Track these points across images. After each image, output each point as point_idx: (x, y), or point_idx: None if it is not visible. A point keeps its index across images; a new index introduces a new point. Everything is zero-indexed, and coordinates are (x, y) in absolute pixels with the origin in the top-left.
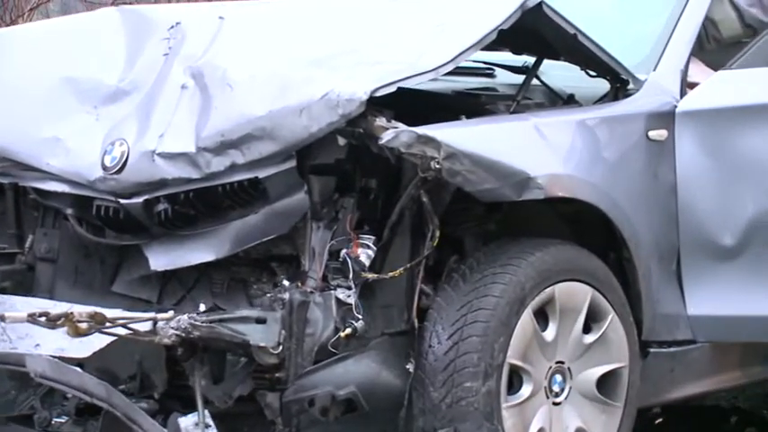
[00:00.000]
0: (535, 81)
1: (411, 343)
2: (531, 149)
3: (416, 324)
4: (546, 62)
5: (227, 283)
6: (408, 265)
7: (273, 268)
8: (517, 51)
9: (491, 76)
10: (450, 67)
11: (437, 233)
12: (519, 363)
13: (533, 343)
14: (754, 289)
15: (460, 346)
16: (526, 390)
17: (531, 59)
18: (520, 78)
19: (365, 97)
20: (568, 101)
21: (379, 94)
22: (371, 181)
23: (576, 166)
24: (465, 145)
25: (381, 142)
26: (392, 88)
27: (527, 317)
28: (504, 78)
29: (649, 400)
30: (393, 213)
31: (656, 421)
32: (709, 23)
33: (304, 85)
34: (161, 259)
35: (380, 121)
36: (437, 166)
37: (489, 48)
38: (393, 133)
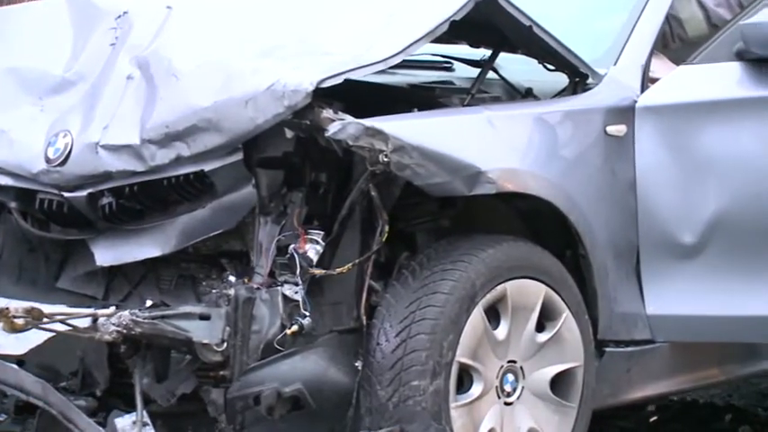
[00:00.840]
0: (495, 76)
1: (360, 340)
2: (482, 143)
3: (365, 321)
4: (506, 56)
5: (176, 279)
6: (357, 261)
7: (223, 264)
8: (474, 44)
9: (450, 69)
10: (399, 59)
11: (386, 228)
12: (469, 361)
13: (484, 341)
14: (714, 288)
15: (408, 343)
16: (476, 389)
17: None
18: (471, 72)
19: (311, 88)
20: (526, 95)
21: (325, 85)
22: (321, 175)
23: (530, 161)
24: (414, 138)
25: (328, 134)
26: (339, 79)
27: (477, 314)
28: (463, 72)
29: (606, 402)
30: (343, 208)
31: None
32: (675, 22)
33: (250, 75)
34: (107, 255)
35: (327, 113)
36: (385, 160)
37: (447, 41)
38: (340, 125)
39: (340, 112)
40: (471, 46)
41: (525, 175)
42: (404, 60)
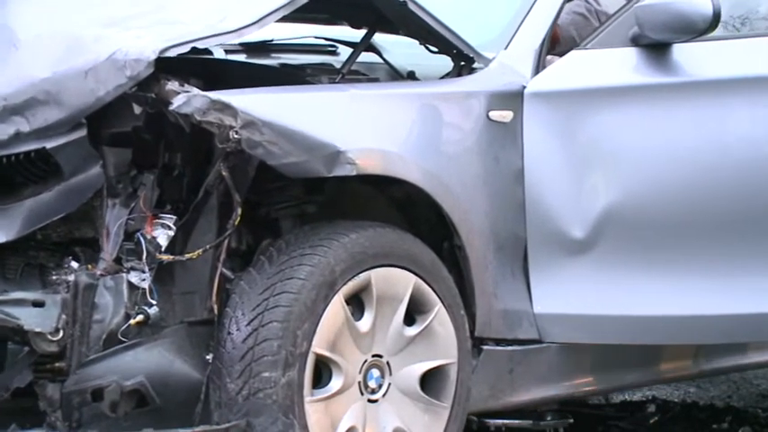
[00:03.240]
0: (381, 60)
1: (214, 332)
2: (344, 122)
3: (216, 310)
4: (395, 40)
5: (22, 268)
6: (207, 247)
7: (76, 252)
8: (354, 25)
9: (334, 53)
10: (253, 29)
11: (239, 211)
12: (327, 353)
13: (345, 333)
14: (605, 286)
15: (260, 332)
16: (336, 384)
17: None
18: (363, 56)
19: (153, 57)
20: (408, 78)
21: (170, 54)
22: (176, 156)
23: (400, 144)
24: (266, 113)
25: (172, 108)
26: (184, 48)
27: (337, 303)
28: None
29: (487, 404)
30: (200, 191)
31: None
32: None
33: (92, 44)
34: None
35: (173, 85)
36: (236, 137)
37: (329, 22)
38: (184, 98)
39: (187, 85)
40: (352, 27)
41: (392, 157)
42: (286, 44)
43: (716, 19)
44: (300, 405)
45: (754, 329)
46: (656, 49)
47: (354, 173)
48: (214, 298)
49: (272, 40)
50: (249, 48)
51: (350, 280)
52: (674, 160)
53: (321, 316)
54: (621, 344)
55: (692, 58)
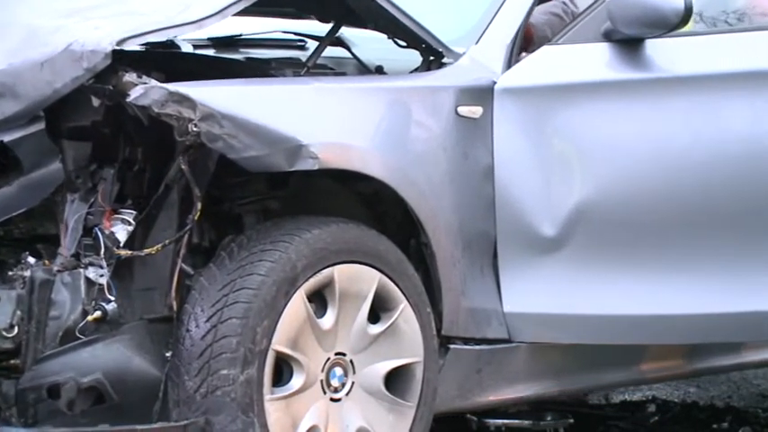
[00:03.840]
0: (350, 55)
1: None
2: (307, 115)
3: (175, 307)
4: (364, 35)
5: None
6: (167, 242)
7: (38, 249)
8: (322, 19)
9: (302, 48)
10: (214, 21)
11: (199, 206)
12: (288, 351)
13: (307, 330)
14: (577, 285)
15: (219, 329)
16: (297, 382)
17: (345, 30)
18: (332, 51)
19: (110, 48)
20: (376, 72)
21: (128, 45)
22: (137, 150)
23: (364, 138)
24: (225, 106)
25: (129, 99)
26: (142, 39)
27: (299, 299)
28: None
29: (454, 403)
30: (161, 186)
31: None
32: None
33: (50, 35)
34: None
35: (130, 77)
36: (195, 130)
37: (296, 16)
38: (142, 89)
39: (145, 77)
40: (320, 21)
41: (357, 152)
42: (254, 39)
43: (687, 13)
44: (260, 403)
45: (732, 330)
46: (628, 44)
47: (317, 167)
48: (173, 294)
49: (240, 35)
50: (217, 43)
51: (312, 276)
52: (647, 157)
53: (282, 313)
54: (595, 344)
55: (665, 53)
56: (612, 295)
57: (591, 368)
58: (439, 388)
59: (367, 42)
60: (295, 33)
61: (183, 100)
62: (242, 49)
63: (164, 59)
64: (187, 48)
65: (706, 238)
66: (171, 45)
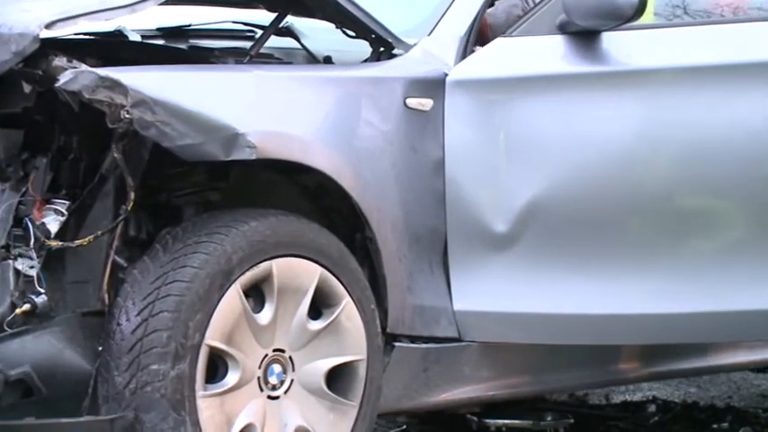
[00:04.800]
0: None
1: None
2: (246, 103)
3: (107, 300)
4: (315, 26)
5: None
6: (99, 233)
7: None
8: (271, 8)
9: (252, 38)
10: (148, 6)
11: (133, 196)
12: (222, 346)
13: (243, 325)
14: (529, 283)
15: (150, 322)
16: (232, 378)
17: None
18: (283, 41)
19: (38, 31)
20: (325, 63)
21: (57, 28)
22: (72, 139)
23: (306, 128)
24: (158, 92)
25: (58, 84)
26: (73, 23)
27: (234, 293)
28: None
29: (400, 404)
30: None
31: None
32: None
33: None
34: None
35: (60, 61)
36: (127, 116)
37: (245, 5)
38: (72, 74)
39: (75, 61)
40: (267, 10)
41: (298, 142)
42: (204, 29)
43: (642, 5)
44: (192, 400)
45: (687, 330)
46: (584, 36)
47: (254, 157)
48: (105, 287)
49: (189, 26)
50: (166, 33)
51: (248, 269)
52: (601, 152)
53: (216, 306)
54: (549, 344)
55: (621, 46)
56: (566, 294)
57: (545, 369)
58: (384, 387)
59: (319, 33)
60: (245, 24)
61: (115, 85)
62: (191, 40)
63: (104, 48)
64: (135, 38)
65: (663, 236)
66: (119, 35)
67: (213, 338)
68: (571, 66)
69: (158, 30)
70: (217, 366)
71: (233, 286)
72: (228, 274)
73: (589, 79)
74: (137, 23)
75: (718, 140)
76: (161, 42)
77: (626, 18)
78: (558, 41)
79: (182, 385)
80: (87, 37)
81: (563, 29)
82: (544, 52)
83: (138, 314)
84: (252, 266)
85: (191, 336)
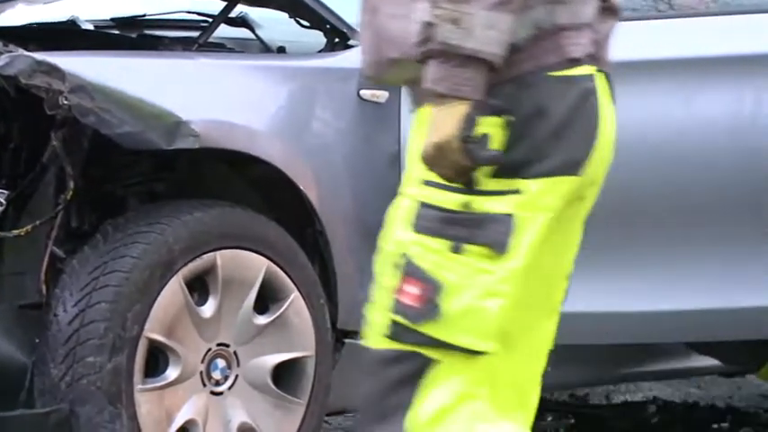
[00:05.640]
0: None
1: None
2: (189, 91)
3: (44, 291)
4: (271, 16)
5: None
6: (37, 223)
7: None
8: None
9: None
10: None
11: (72, 185)
12: (162, 339)
13: (185, 318)
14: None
15: (87, 313)
16: (173, 373)
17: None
18: (236, 32)
19: None
20: (278, 53)
21: None
22: (13, 127)
23: (253, 118)
24: (98, 78)
25: None
26: (10, 6)
27: (176, 285)
28: (220, 32)
29: (352, 402)
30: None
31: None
32: None
33: None
34: None
35: None
36: (65, 102)
37: None
38: (7, 58)
39: (12, 45)
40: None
41: (243, 132)
42: (158, 19)
43: None
44: (129, 393)
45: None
46: None
47: (197, 146)
48: (43, 278)
49: (143, 15)
50: (120, 23)
51: (191, 260)
52: None
53: (155, 298)
54: None
55: None
56: None
57: None
58: (334, 385)
59: (276, 24)
60: (198, 14)
61: (52, 70)
62: (146, 30)
63: (53, 37)
64: (88, 28)
65: (617, 236)
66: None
67: (153, 331)
68: None
69: (112, 20)
70: (157, 360)
71: (174, 277)
72: (170, 264)
73: None
74: (90, 13)
75: (674, 134)
76: (114, 32)
77: None
78: None
79: (118, 378)
80: (37, 26)
81: None
82: None
83: (75, 305)
84: (195, 258)
85: (129, 327)
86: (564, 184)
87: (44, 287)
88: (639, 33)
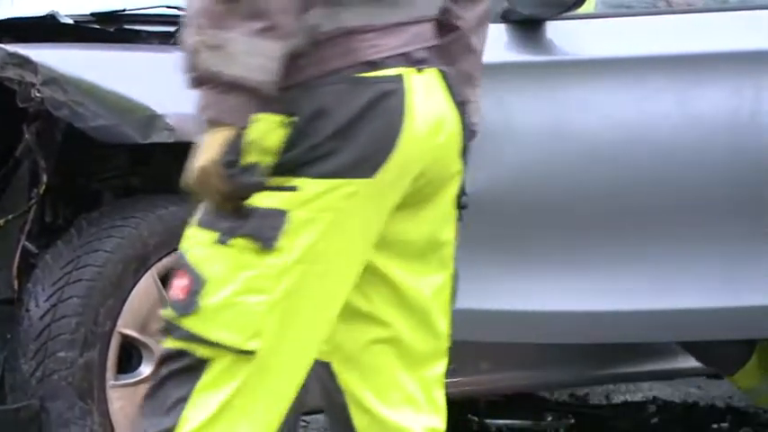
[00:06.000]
0: None
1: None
2: (165, 84)
3: (15, 287)
4: None
5: None
6: (9, 217)
7: None
8: None
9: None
10: None
11: (45, 179)
12: (136, 334)
13: (159, 313)
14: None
15: (58, 308)
16: (146, 368)
17: None
18: None
19: None
20: None
21: None
22: None
23: None
24: (71, 70)
25: None
26: None
27: (149, 279)
28: None
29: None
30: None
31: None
32: None
33: None
34: None
35: None
36: (38, 95)
37: None
38: None
39: None
40: None
41: None
42: (139, 14)
43: None
44: (101, 390)
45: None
46: (527, 25)
47: (172, 140)
48: (15, 273)
49: (123, 10)
50: (100, 18)
51: (166, 255)
52: (542, 143)
53: (129, 293)
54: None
55: (565, 36)
56: (494, 289)
57: (475, 369)
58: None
59: None
60: (179, 8)
61: (24, 63)
62: (125, 25)
63: (30, 31)
64: (67, 22)
65: (622, 233)
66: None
67: (126, 326)
68: (513, 55)
69: (92, 15)
70: (130, 355)
71: (149, 272)
72: (144, 259)
73: (532, 68)
74: (70, 8)
75: (666, 131)
76: (93, 26)
77: (567, 6)
78: (501, 30)
79: (90, 374)
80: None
81: (505, 17)
82: (487, 41)
83: (47, 300)
84: (169, 252)
85: (101, 323)
86: (352, 186)
87: (16, 282)
88: (638, 30)
